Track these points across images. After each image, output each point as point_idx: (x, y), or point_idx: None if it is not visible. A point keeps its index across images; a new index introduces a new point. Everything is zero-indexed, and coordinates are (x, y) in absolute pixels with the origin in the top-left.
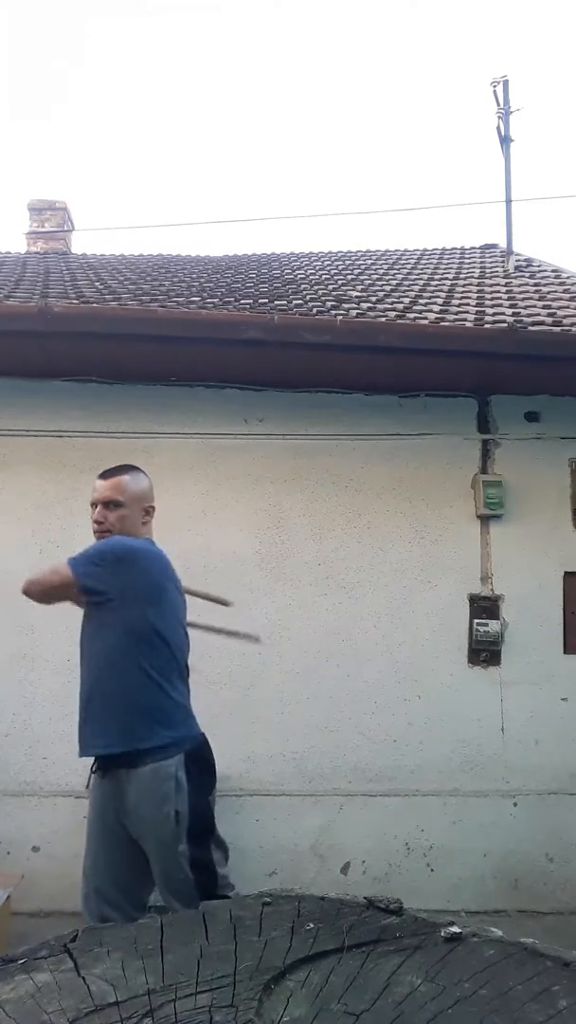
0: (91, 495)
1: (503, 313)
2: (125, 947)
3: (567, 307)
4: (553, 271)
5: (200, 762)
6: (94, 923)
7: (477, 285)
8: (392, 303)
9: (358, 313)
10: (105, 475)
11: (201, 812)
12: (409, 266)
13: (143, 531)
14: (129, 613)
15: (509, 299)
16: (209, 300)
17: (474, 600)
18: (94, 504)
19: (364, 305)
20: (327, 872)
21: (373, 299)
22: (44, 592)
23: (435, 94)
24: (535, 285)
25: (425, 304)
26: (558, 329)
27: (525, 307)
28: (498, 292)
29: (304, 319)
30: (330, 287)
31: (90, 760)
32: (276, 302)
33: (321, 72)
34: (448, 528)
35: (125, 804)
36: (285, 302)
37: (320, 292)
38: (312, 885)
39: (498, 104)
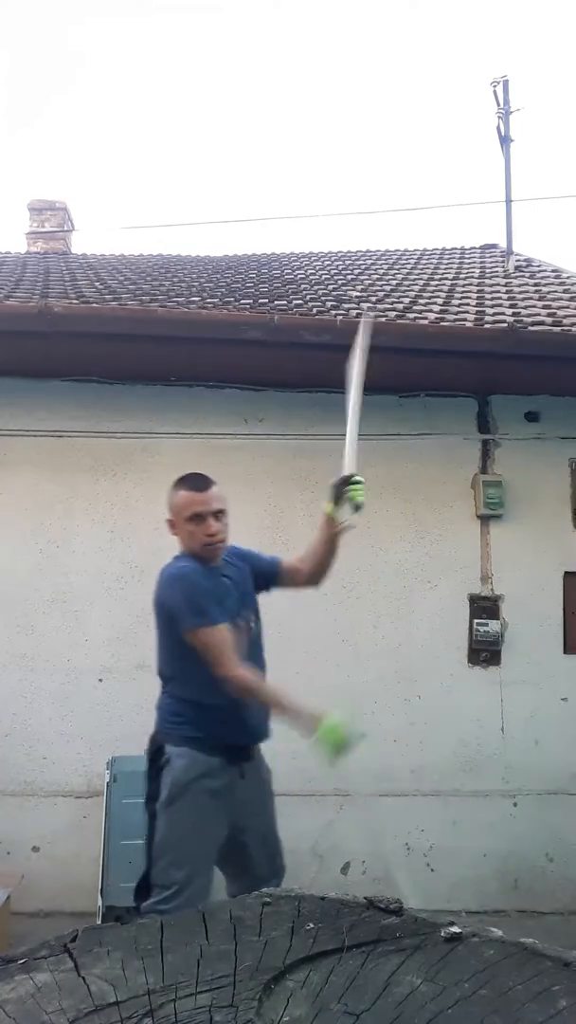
0: (194, 505)
1: (503, 313)
2: (125, 947)
3: (567, 307)
4: (553, 271)
5: None
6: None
7: (477, 285)
8: (392, 303)
9: (358, 313)
10: (202, 484)
11: None
12: (409, 266)
13: None
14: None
15: (509, 299)
16: (209, 300)
17: (474, 600)
18: (200, 516)
19: (364, 305)
20: (327, 872)
21: (373, 299)
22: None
23: (435, 94)
24: (535, 285)
25: (425, 304)
26: (558, 329)
27: (525, 307)
28: (498, 292)
29: (304, 319)
30: (330, 287)
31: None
32: (276, 302)
33: (321, 72)
34: (448, 528)
35: (247, 787)
36: (285, 302)
37: (320, 292)
38: (312, 885)
39: (498, 104)
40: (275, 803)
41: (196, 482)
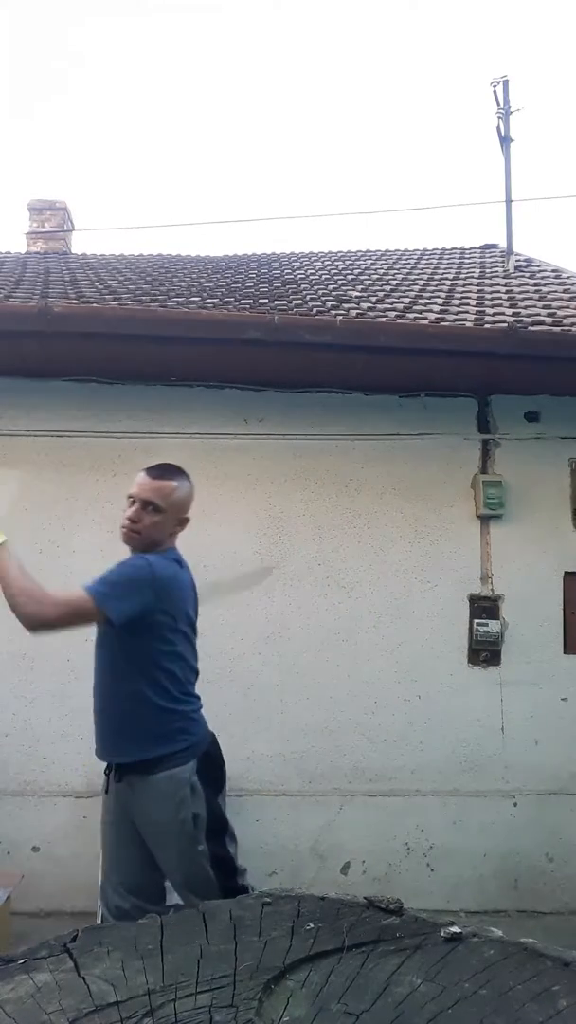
0: (133, 487)
1: (503, 313)
2: (125, 947)
3: (567, 307)
4: (553, 271)
5: (211, 760)
6: (111, 916)
7: (477, 285)
8: (392, 303)
9: (358, 313)
10: (153, 473)
11: (215, 810)
12: (409, 266)
13: (169, 542)
14: (142, 639)
15: (509, 299)
16: (209, 300)
17: (474, 600)
18: (132, 499)
19: (364, 305)
20: (327, 872)
21: (373, 299)
22: (60, 626)
23: (435, 94)
24: (535, 285)
25: (425, 304)
26: (558, 329)
27: (525, 307)
28: (498, 292)
29: (304, 319)
30: (330, 287)
31: (93, 760)
32: (276, 302)
33: (321, 72)
34: (448, 528)
35: (142, 809)
36: (285, 302)
37: (320, 292)
38: (312, 885)
39: (498, 104)
40: (168, 847)
41: (153, 469)
